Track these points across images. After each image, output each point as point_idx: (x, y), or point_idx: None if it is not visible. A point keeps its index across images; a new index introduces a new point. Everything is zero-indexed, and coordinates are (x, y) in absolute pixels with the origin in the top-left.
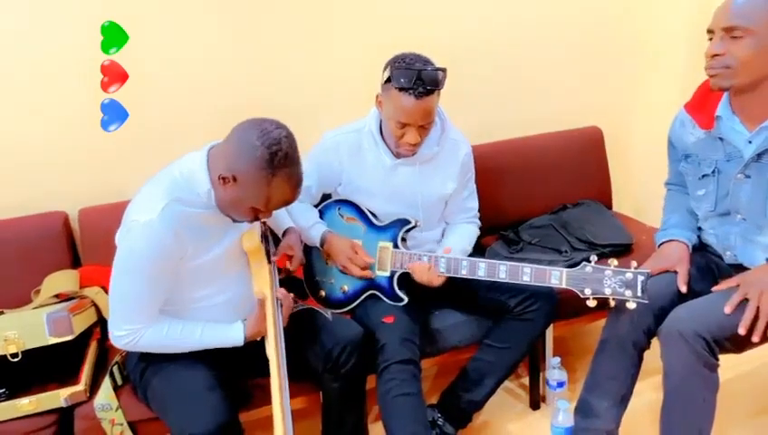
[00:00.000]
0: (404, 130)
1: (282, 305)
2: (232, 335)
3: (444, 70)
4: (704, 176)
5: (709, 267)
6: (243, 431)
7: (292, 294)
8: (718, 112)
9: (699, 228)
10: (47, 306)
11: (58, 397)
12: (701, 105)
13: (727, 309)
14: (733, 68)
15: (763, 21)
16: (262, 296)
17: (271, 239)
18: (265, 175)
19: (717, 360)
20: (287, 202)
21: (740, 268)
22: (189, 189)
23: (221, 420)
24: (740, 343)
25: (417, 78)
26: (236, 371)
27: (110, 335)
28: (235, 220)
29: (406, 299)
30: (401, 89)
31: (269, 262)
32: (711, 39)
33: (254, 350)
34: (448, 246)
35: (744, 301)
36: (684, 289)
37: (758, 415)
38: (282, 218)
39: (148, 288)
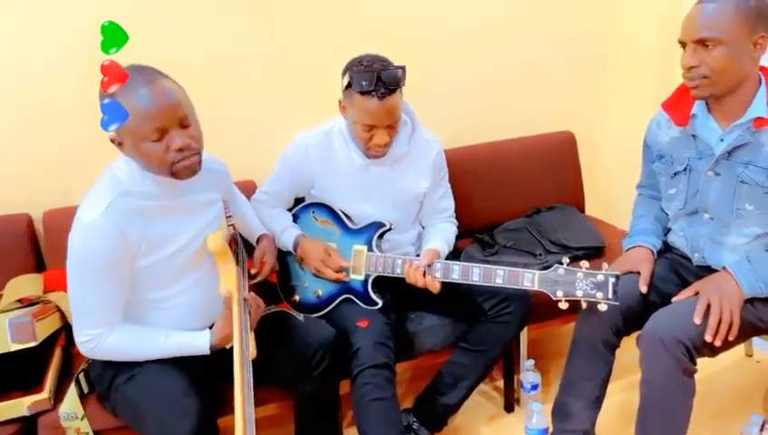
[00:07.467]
0: (372, 133)
1: (251, 308)
2: (197, 344)
3: (403, 68)
4: (675, 174)
5: (675, 268)
6: None
7: (262, 304)
8: (694, 111)
9: (669, 230)
10: (9, 311)
11: (21, 405)
12: (678, 102)
13: (697, 320)
14: (710, 77)
15: (731, 29)
16: (228, 295)
17: (241, 242)
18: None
19: (695, 365)
20: (152, 106)
21: (707, 270)
22: (133, 182)
23: (198, 427)
24: (715, 347)
25: (377, 79)
26: (212, 375)
27: (77, 342)
28: (174, 175)
29: (380, 303)
30: (363, 92)
31: (237, 263)
32: (684, 48)
33: (229, 353)
34: (433, 247)
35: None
36: (644, 289)
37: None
38: (254, 226)
39: (101, 290)
